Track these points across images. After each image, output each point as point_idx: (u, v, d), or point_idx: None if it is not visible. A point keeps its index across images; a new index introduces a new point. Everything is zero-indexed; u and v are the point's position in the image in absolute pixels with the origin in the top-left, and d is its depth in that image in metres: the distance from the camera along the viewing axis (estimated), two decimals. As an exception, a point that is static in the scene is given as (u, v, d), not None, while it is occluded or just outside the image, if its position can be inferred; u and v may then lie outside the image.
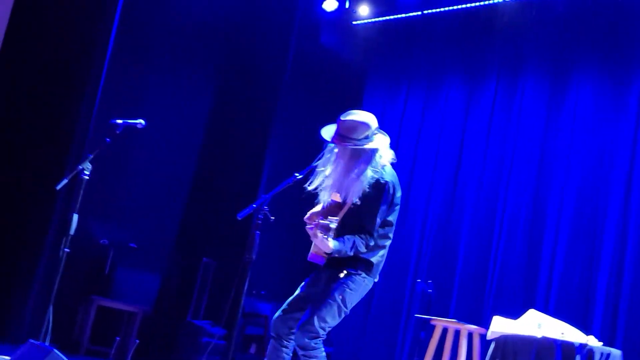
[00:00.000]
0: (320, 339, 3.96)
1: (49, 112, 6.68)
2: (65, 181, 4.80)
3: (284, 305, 4.19)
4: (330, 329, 4.03)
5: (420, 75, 8.15)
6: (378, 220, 4.09)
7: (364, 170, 4.06)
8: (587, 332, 4.83)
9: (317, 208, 4.35)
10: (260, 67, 8.17)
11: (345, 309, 4.04)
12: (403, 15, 8.35)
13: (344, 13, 8.69)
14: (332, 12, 8.60)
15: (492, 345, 4.77)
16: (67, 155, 6.57)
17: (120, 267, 7.48)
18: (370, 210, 4.04)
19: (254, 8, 8.26)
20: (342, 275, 4.06)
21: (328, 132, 4.28)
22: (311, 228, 3.98)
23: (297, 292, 4.29)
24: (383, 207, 4.10)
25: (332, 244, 3.90)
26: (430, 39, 8.05)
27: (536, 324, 4.62)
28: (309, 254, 4.41)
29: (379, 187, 4.07)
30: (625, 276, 5.96)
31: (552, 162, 6.79)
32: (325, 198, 4.18)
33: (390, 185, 4.15)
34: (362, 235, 4.04)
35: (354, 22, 8.78)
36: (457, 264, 7.07)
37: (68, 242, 4.69)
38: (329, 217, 3.93)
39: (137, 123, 4.94)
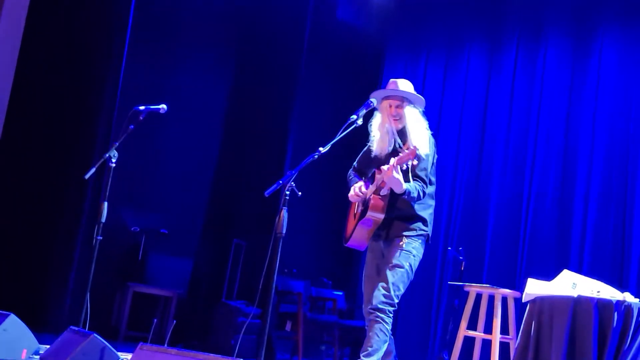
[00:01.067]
0: (394, 307, 4.23)
1: (73, 102, 6.74)
2: (93, 170, 4.86)
3: (364, 296, 4.44)
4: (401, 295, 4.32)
5: (439, 43, 8.08)
6: (431, 175, 4.39)
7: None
8: (623, 290, 4.78)
9: (360, 184, 4.50)
10: (278, 45, 8.14)
11: (411, 275, 4.36)
12: (419, -17, 8.27)
13: (359, -15, 8.63)
14: (347, -15, 8.54)
15: (528, 308, 4.75)
16: (93, 145, 6.65)
17: (153, 253, 7.56)
18: (425, 164, 4.33)
19: (270, -14, 8.24)
20: (402, 243, 4.31)
21: (385, 92, 4.54)
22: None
23: (365, 279, 4.50)
24: (433, 163, 4.42)
25: (404, 184, 4.14)
26: (448, 5, 7.97)
27: (571, 284, 4.59)
28: (349, 240, 4.51)
29: (431, 142, 4.41)
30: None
31: (578, 124, 6.71)
32: (383, 154, 4.47)
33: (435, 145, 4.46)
34: (420, 184, 4.30)
35: (370, -6, 8.71)
36: (487, 229, 7.04)
37: (100, 230, 4.75)
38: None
39: (159, 108, 4.99)
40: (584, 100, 6.71)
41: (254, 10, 8.27)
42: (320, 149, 4.20)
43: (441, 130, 7.74)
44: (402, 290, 4.28)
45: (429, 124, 4.50)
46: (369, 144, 4.64)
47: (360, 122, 4.41)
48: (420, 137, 4.35)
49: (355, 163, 4.77)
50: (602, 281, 4.71)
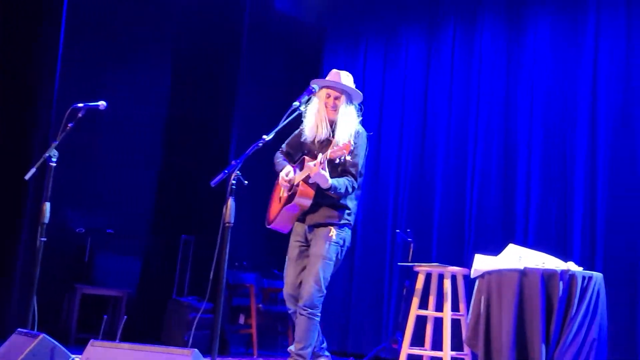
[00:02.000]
0: (322, 296, 4.39)
1: (10, 102, 6.58)
2: (33, 170, 4.80)
3: (286, 279, 4.57)
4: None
5: (378, 30, 8.12)
6: (360, 168, 4.53)
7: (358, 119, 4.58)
8: (567, 259, 4.90)
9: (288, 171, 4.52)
10: (217, 38, 8.10)
11: (338, 264, 4.53)
12: (355, -30, 8.29)
13: (295, -25, 8.62)
14: (283, -25, 8.52)
15: (477, 284, 4.84)
16: (32, 144, 6.50)
17: (100, 253, 7.45)
18: (356, 158, 4.45)
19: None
20: (332, 235, 4.44)
21: (327, 82, 4.62)
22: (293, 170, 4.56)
23: (289, 262, 4.46)
24: (364, 156, 4.58)
25: (330, 180, 4.28)
26: (385, -8, 8.02)
27: (517, 257, 4.69)
28: (272, 223, 4.59)
29: (363, 137, 4.55)
30: (598, 203, 6.06)
31: (517, 103, 6.82)
32: (314, 140, 4.59)
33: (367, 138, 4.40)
34: (349, 179, 4.45)
35: (306, -17, 8.71)
36: (434, 210, 7.12)
37: (44, 232, 4.69)
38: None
39: (98, 105, 4.96)
40: (521, 79, 6.83)
41: (191, 4, 8.20)
42: (264, 136, 4.21)
43: (384, 116, 7.79)
44: (329, 279, 4.47)
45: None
46: (301, 127, 4.71)
47: (303, 108, 4.48)
48: (348, 131, 4.47)
49: (284, 146, 4.86)
50: (546, 253, 4.82)
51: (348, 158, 4.21)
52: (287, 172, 4.63)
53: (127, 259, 7.78)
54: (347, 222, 4.53)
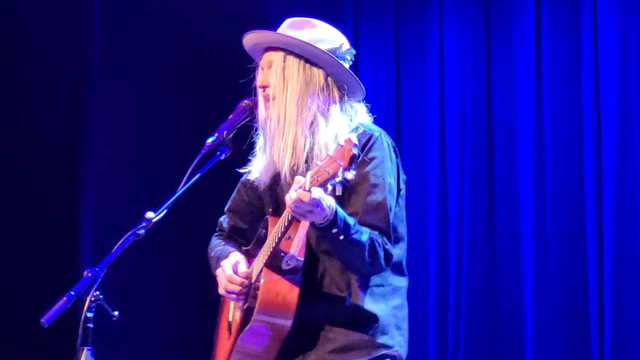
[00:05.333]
0: None
1: None
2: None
3: None
4: None
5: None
6: (395, 208, 2.21)
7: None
8: None
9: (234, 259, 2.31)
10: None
11: None
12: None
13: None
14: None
15: None
16: None
17: None
18: (377, 189, 2.17)
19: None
20: None
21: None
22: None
23: None
24: (400, 190, 2.28)
25: (333, 204, 2.01)
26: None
27: None
28: None
29: (383, 144, 2.25)
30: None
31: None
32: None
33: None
34: (376, 234, 2.14)
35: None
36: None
37: None
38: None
39: None
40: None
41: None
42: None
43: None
44: None
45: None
46: (245, 172, 2.42)
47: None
48: (334, 132, 2.20)
49: (222, 218, 2.58)
50: None
51: (350, 175, 1.89)
52: (233, 265, 2.29)
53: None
54: (391, 353, 2.21)
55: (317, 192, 1.92)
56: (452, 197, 4.16)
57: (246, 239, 2.47)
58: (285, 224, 2.08)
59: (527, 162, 4.02)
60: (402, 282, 2.27)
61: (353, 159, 1.86)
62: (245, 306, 2.26)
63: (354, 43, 4.41)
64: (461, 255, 4.06)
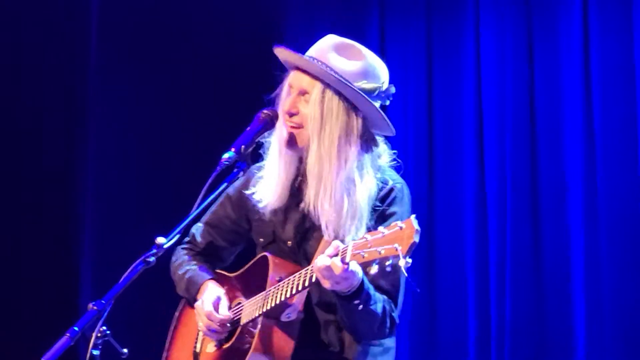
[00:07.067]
0: None
1: None
2: None
3: None
4: None
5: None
6: (402, 276, 2.09)
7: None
8: None
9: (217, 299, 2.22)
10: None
11: None
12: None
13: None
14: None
15: None
16: None
17: None
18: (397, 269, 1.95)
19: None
20: None
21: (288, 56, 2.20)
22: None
23: None
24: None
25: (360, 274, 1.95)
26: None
27: None
28: None
29: (405, 200, 2.23)
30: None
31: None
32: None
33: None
34: (389, 303, 2.12)
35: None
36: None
37: None
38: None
39: None
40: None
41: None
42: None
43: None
44: None
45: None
46: (232, 185, 2.18)
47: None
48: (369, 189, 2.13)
49: (198, 229, 2.38)
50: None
51: (404, 263, 1.79)
52: (214, 302, 2.17)
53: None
54: None
55: (355, 266, 1.89)
56: (492, 209, 3.89)
57: (219, 258, 2.38)
58: (306, 284, 2.01)
59: (576, 170, 3.77)
60: (393, 342, 2.26)
61: (413, 247, 1.78)
62: (226, 346, 2.20)
63: (380, 39, 4.14)
64: (504, 277, 3.83)
